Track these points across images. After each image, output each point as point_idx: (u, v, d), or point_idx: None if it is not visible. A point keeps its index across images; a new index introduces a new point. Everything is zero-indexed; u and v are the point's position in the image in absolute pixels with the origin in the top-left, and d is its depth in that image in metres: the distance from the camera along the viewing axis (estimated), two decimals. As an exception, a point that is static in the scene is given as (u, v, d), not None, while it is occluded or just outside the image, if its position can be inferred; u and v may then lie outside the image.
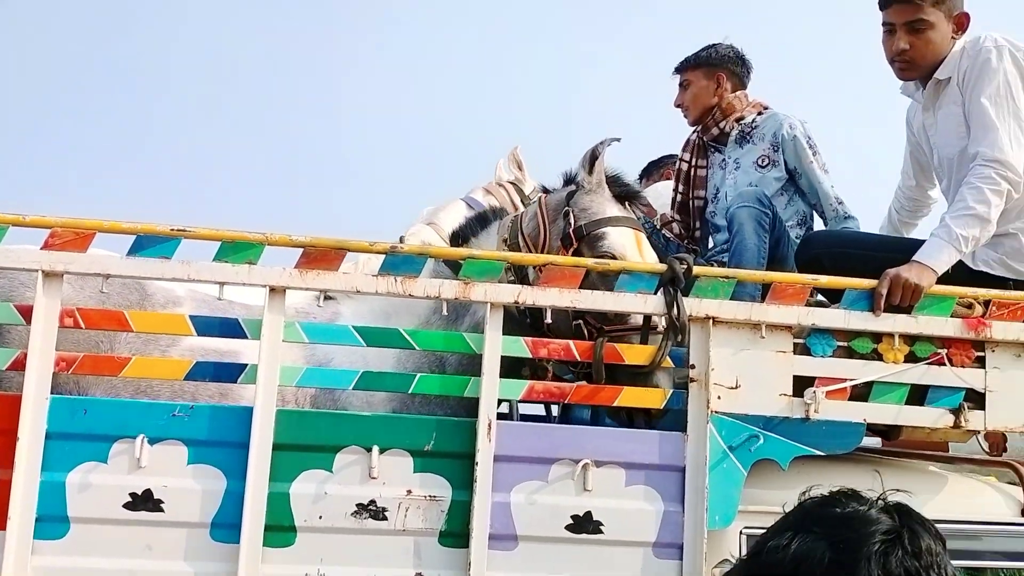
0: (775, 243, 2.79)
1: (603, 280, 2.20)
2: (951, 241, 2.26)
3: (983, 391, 2.20)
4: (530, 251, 2.39)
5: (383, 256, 2.09)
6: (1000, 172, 2.27)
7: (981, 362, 2.21)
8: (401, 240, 3.11)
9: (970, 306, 2.21)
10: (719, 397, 2.13)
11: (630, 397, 2.16)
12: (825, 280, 2.22)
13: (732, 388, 2.14)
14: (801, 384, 2.17)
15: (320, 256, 2.06)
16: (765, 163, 3.11)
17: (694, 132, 3.30)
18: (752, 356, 2.16)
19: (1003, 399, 2.20)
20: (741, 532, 2.18)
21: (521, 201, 3.40)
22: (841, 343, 2.21)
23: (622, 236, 2.34)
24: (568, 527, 2.05)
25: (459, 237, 2.58)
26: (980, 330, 2.18)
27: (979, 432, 2.22)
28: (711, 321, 2.14)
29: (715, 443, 2.10)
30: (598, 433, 2.21)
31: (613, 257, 2.28)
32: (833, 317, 2.18)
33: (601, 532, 2.06)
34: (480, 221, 2.58)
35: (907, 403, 2.20)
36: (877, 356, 2.20)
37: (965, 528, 2.25)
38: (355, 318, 2.36)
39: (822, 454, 2.16)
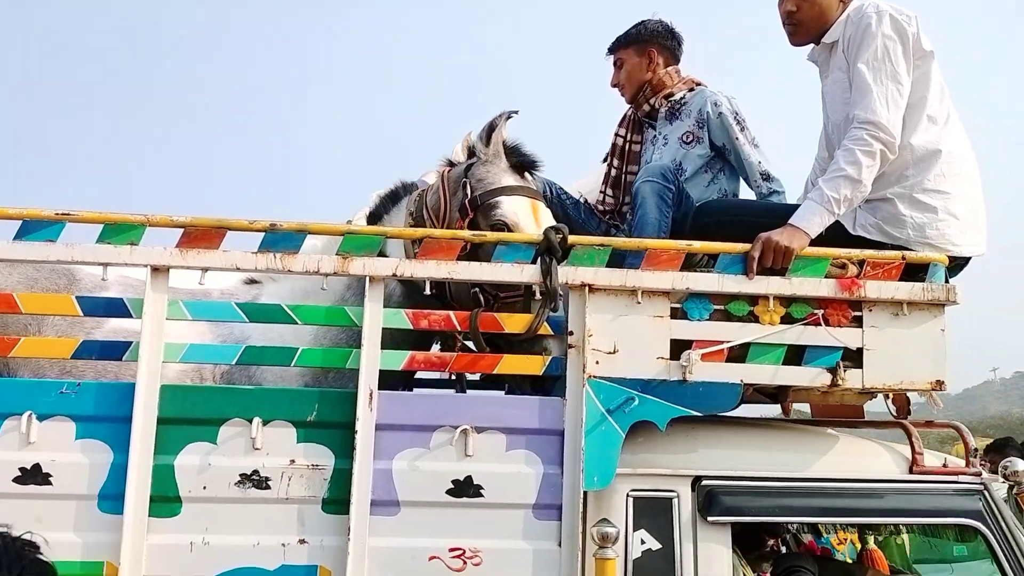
0: (683, 217, 2.82)
1: (490, 250, 2.25)
2: (823, 203, 2.30)
3: (860, 350, 2.24)
4: (433, 223, 2.46)
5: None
6: (872, 133, 2.30)
7: (859, 322, 2.26)
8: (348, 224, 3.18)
9: (844, 267, 2.25)
10: (597, 362, 2.18)
11: (510, 364, 2.22)
12: (699, 245, 2.26)
13: (610, 353, 2.19)
14: (679, 348, 2.21)
15: (201, 235, 2.12)
16: (690, 139, 3.11)
17: (630, 108, 3.31)
18: (630, 321, 2.21)
19: (880, 357, 2.24)
20: (628, 495, 2.24)
21: None
22: (718, 307, 2.25)
23: (516, 204, 2.40)
24: (449, 491, 2.11)
25: (374, 215, 2.65)
26: (854, 290, 2.22)
27: (856, 389, 2.25)
28: (587, 288, 2.19)
29: (593, 406, 2.16)
30: (480, 400, 2.27)
31: (505, 225, 2.36)
32: (707, 281, 2.23)
33: (481, 495, 2.12)
34: (392, 198, 2.65)
35: (785, 363, 2.25)
36: (754, 318, 2.25)
37: (854, 486, 2.30)
38: (272, 299, 2.44)
39: (699, 414, 2.20)
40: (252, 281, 2.63)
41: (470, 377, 2.88)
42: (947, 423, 2.49)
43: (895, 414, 2.67)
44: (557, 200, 3.07)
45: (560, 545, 2.12)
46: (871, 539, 3.12)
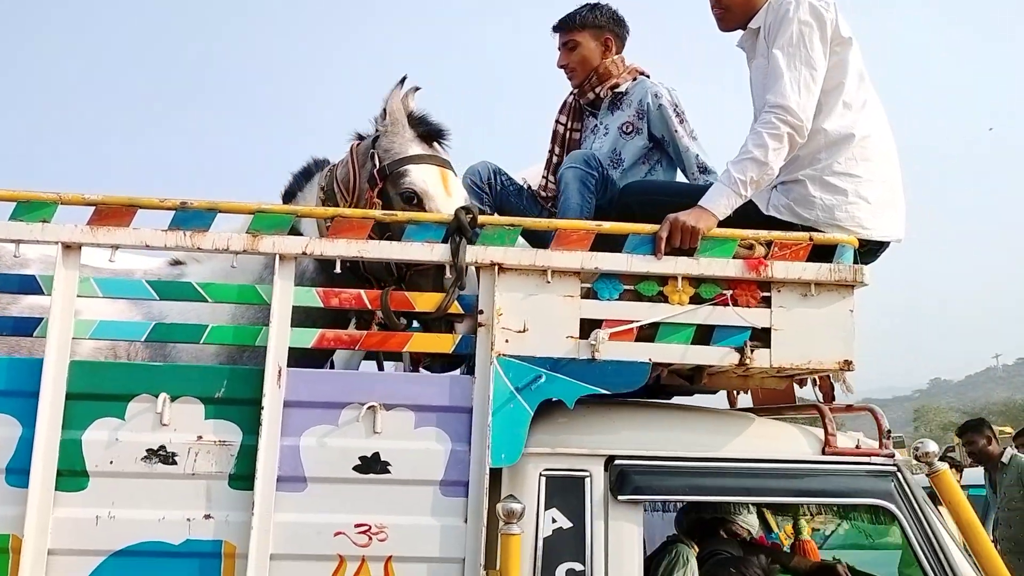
0: (609, 204, 2.84)
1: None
2: (730, 185, 2.32)
3: (769, 330, 2.26)
4: (344, 197, 2.49)
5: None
6: (780, 116, 2.34)
7: (768, 302, 2.28)
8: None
9: (751, 247, 2.28)
10: (507, 340, 2.20)
11: (421, 343, 2.24)
12: (608, 226, 2.29)
13: (520, 332, 2.21)
14: (590, 327, 2.23)
15: (111, 213, 2.15)
16: (629, 130, 3.14)
17: (571, 95, 3.31)
18: (540, 301, 2.23)
19: (788, 337, 2.26)
20: (541, 474, 2.26)
21: None
22: (628, 287, 2.27)
23: (424, 172, 2.44)
24: (356, 468, 2.13)
25: (288, 194, 2.68)
26: (761, 270, 2.25)
27: (765, 369, 2.27)
28: (497, 268, 2.21)
29: (501, 384, 2.18)
30: (389, 378, 2.30)
31: (415, 193, 2.41)
32: (616, 261, 2.25)
33: (388, 472, 2.14)
34: (305, 175, 2.68)
35: (695, 343, 2.27)
36: (663, 298, 2.27)
37: (765, 467, 2.32)
38: (195, 279, 2.46)
39: (606, 392, 2.22)
40: (177, 262, 2.66)
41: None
42: (864, 406, 2.50)
43: (822, 400, 2.69)
44: (500, 186, 3.10)
45: (466, 521, 2.13)
46: (805, 530, 3.13)
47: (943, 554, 2.26)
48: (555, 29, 3.25)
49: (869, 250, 2.46)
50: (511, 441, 2.17)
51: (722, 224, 2.34)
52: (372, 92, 2.71)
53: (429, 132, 2.55)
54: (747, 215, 2.40)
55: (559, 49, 3.23)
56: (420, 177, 2.41)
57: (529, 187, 3.18)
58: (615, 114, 3.19)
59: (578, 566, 2.20)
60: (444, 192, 2.41)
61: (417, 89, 2.56)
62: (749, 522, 3.22)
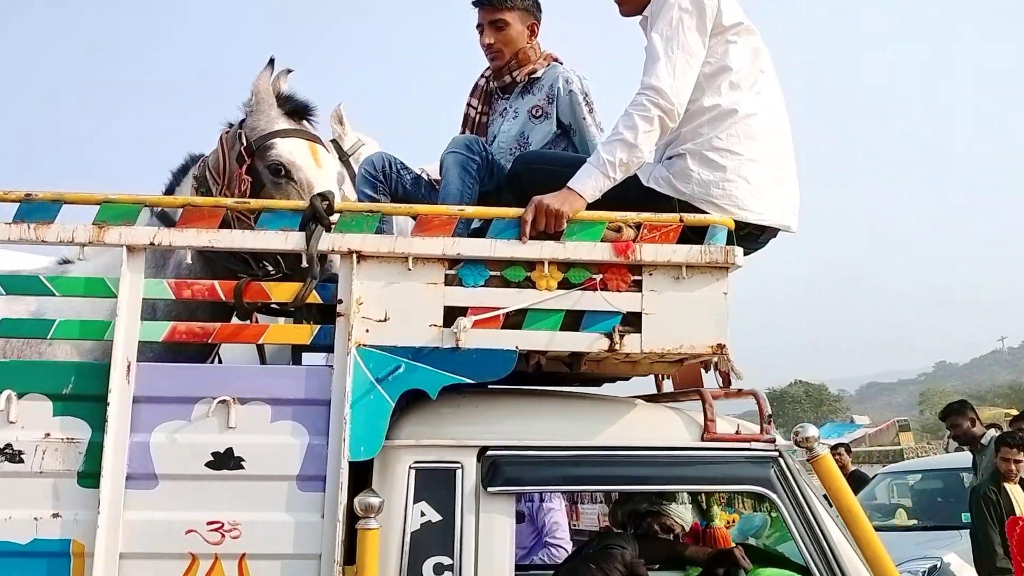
0: (496, 190, 2.77)
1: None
2: (599, 166, 2.25)
3: (640, 314, 2.20)
4: (216, 182, 2.46)
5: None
6: (651, 99, 2.27)
7: (640, 286, 2.21)
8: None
9: (619, 230, 2.21)
10: (367, 330, 2.14)
11: (276, 334, 2.19)
12: (471, 210, 2.23)
13: (381, 321, 2.15)
14: (456, 315, 2.17)
15: (-47, 207, 2.09)
16: (539, 114, 3.07)
17: (483, 77, 3.22)
18: (401, 289, 2.17)
19: (660, 321, 2.19)
20: (411, 467, 2.20)
21: (340, 158, 3.42)
22: (495, 272, 2.21)
23: (291, 145, 2.43)
24: (208, 464, 2.07)
25: (168, 191, 2.64)
26: (629, 253, 2.18)
27: (636, 354, 2.20)
28: (355, 256, 2.15)
29: (361, 375, 2.12)
30: (245, 371, 2.23)
31: (281, 165, 2.39)
32: (479, 247, 2.18)
33: (243, 467, 2.08)
34: (182, 171, 2.66)
35: (566, 329, 2.20)
36: (531, 284, 2.20)
37: (642, 454, 2.26)
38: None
39: (471, 381, 2.16)
40: (65, 261, 2.61)
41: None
42: (749, 391, 2.42)
43: (721, 384, 2.62)
44: (397, 175, 3.03)
45: (323, 517, 2.07)
46: (717, 518, 3.06)
47: (825, 541, 2.20)
48: (480, 4, 3.10)
49: (750, 234, 2.39)
50: (371, 433, 2.11)
51: (603, 197, 2.28)
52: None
53: (296, 109, 2.54)
54: (627, 188, 2.33)
55: (483, 27, 3.08)
56: (287, 149, 2.41)
57: (428, 176, 3.11)
58: (525, 98, 3.11)
59: (446, 560, 2.15)
60: (313, 163, 2.39)
61: (289, 72, 2.52)
62: (679, 513, 3.16)
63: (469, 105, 3.26)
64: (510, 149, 3.05)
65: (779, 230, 2.46)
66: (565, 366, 2.42)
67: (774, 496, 2.22)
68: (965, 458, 6.94)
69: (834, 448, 10.30)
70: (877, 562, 2.13)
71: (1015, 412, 11.16)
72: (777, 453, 2.27)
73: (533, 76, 3.11)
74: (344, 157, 3.49)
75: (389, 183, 2.94)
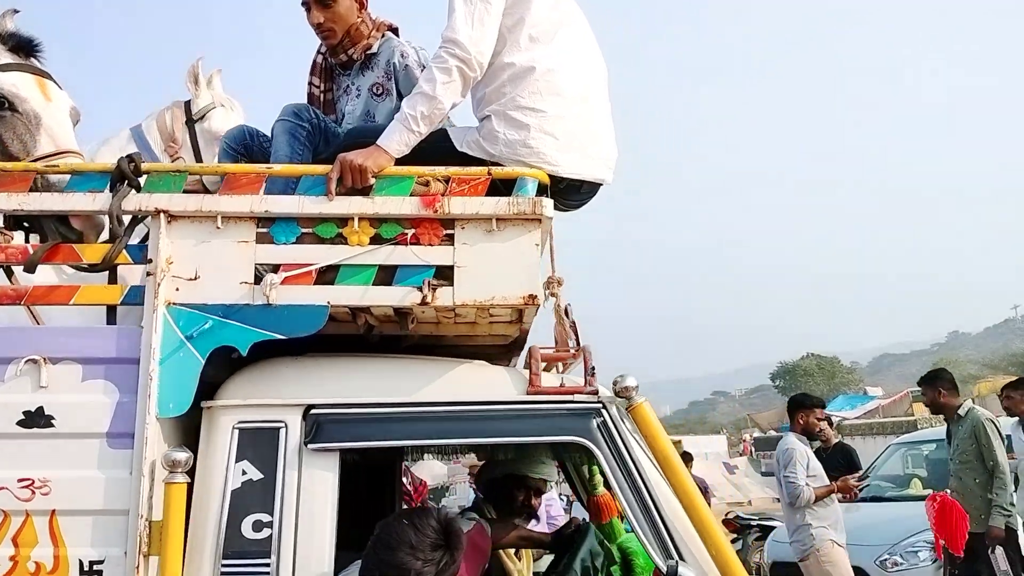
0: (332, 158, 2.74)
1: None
2: (403, 122, 2.26)
3: (451, 267, 2.19)
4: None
5: None
6: (448, 50, 2.27)
7: (453, 240, 2.21)
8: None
9: (427, 184, 2.20)
10: (177, 289, 2.16)
11: (87, 295, 2.20)
12: (278, 168, 2.24)
13: (191, 279, 2.17)
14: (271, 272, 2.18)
15: None
16: (380, 91, 2.98)
17: (319, 54, 3.10)
18: (213, 247, 2.18)
19: (471, 274, 2.19)
20: (234, 427, 2.22)
21: (187, 121, 3.39)
22: (307, 230, 2.22)
23: (13, 78, 2.46)
24: (19, 423, 2.10)
25: None
26: (436, 206, 2.18)
27: (449, 307, 2.20)
28: (164, 215, 2.16)
29: (171, 333, 2.14)
30: (57, 331, 2.25)
31: (3, 98, 2.42)
32: (287, 204, 2.20)
33: (53, 426, 2.11)
34: None
35: (379, 284, 2.20)
36: (343, 240, 2.21)
37: (464, 409, 2.26)
38: None
39: (282, 336, 2.17)
40: None
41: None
42: (577, 348, 2.40)
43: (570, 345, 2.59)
44: (258, 147, 3.01)
45: (131, 473, 2.10)
46: (599, 487, 3.07)
47: (647, 491, 2.20)
48: None
49: (571, 187, 2.38)
50: (180, 390, 2.13)
51: (418, 162, 2.27)
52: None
53: (20, 44, 2.54)
54: (446, 155, 2.33)
55: (309, 5, 2.90)
56: (9, 81, 2.42)
57: None
58: (366, 75, 3.01)
59: (266, 517, 2.16)
60: (41, 96, 2.43)
61: (16, 12, 2.54)
62: (543, 472, 3.17)
63: (311, 84, 3.15)
64: None
65: (600, 184, 2.45)
66: (391, 323, 2.42)
67: (593, 446, 2.22)
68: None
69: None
70: (692, 509, 2.13)
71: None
72: (600, 405, 2.26)
73: (369, 52, 2.99)
74: (190, 120, 3.43)
75: (250, 155, 2.90)
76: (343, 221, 2.21)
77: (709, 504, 10.04)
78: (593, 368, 2.30)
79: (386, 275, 2.21)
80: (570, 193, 2.37)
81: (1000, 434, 5.75)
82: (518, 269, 2.19)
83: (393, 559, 1.99)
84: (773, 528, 8.56)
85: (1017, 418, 6.34)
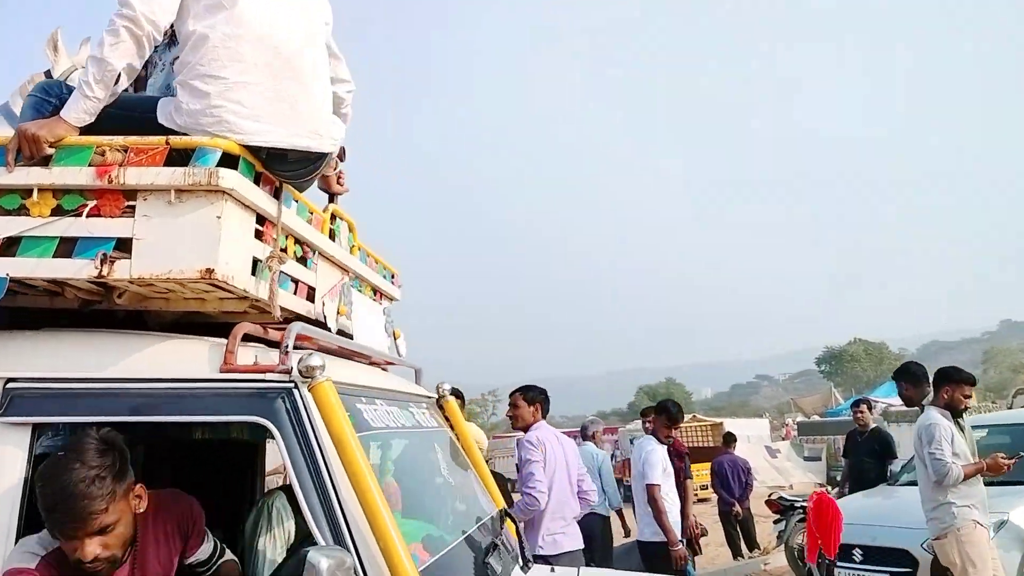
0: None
1: None
2: (79, 88, 2.21)
3: (131, 239, 2.15)
4: None
5: None
6: (117, 12, 2.23)
7: (134, 212, 2.16)
8: None
9: (104, 154, 2.15)
10: None
11: None
12: (-41, 136, 2.20)
13: None
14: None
15: None
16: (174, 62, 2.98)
17: None
18: (-99, 219, 2.16)
19: (151, 247, 2.13)
20: (7, 384, 2.22)
21: None
22: (-6, 201, 2.19)
23: None
24: None
25: None
26: (112, 176, 2.13)
27: (126, 280, 2.14)
28: None
29: None
30: None
31: None
32: (-35, 176, 2.17)
33: None
34: None
35: (62, 256, 2.17)
36: (27, 211, 2.18)
37: (154, 386, 2.22)
38: None
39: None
40: None
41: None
42: (282, 322, 2.33)
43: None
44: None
45: None
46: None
47: (327, 475, 2.14)
48: None
49: (277, 157, 2.31)
50: None
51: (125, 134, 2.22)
52: None
53: None
54: (151, 128, 2.27)
55: None
56: None
57: None
58: (171, 49, 3.03)
59: (-44, 487, 2.16)
60: None
61: None
62: None
63: None
64: None
65: (316, 153, 2.37)
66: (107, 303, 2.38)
67: (272, 426, 2.16)
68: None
69: (856, 404, 9.90)
70: (362, 493, 2.06)
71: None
72: (292, 385, 2.20)
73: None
74: None
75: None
76: (27, 192, 2.18)
77: (748, 486, 9.93)
78: (287, 346, 2.23)
79: (68, 247, 2.17)
80: (279, 163, 2.30)
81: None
82: (197, 242, 2.12)
83: (63, 482, 1.99)
84: None
85: None
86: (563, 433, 5.94)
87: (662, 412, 6.61)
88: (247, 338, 2.35)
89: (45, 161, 2.16)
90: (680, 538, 6.26)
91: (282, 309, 2.51)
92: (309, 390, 2.16)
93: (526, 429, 5.73)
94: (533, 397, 5.83)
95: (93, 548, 2.05)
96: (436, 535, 2.58)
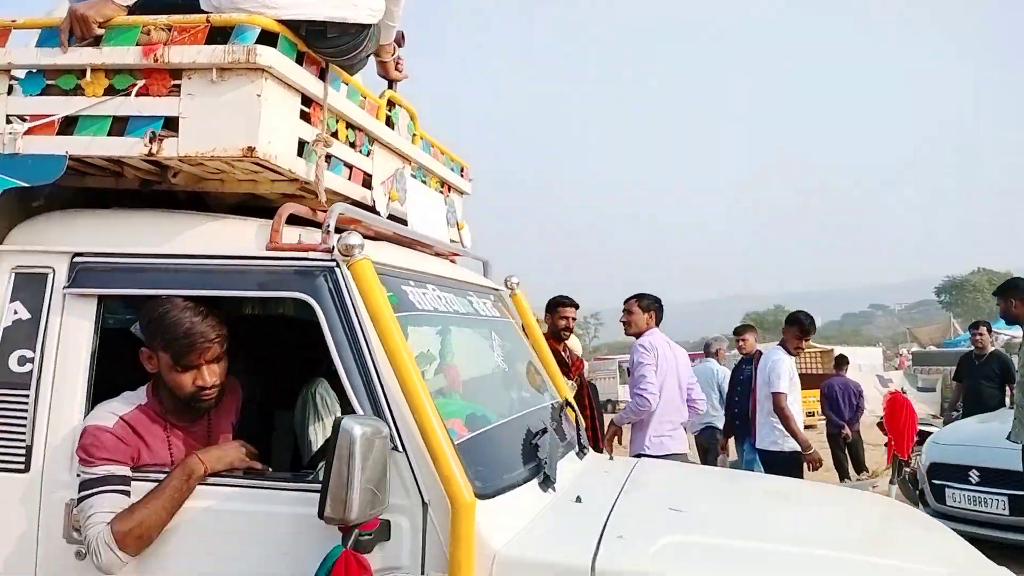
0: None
1: None
2: None
3: (177, 118, 2.19)
4: None
5: None
6: None
7: (180, 90, 2.20)
8: None
9: (149, 33, 2.18)
10: (-60, 139, 2.29)
11: None
12: (23, 20, 2.28)
13: (-51, 130, 2.29)
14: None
15: None
16: None
17: None
18: (-30, 99, 2.28)
19: (195, 125, 2.18)
20: (13, 270, 2.38)
21: None
22: (51, 81, 2.28)
23: None
24: None
25: None
26: (158, 54, 2.16)
27: (176, 157, 2.19)
28: (-85, 69, 2.28)
29: (-65, 179, 2.29)
30: None
31: None
32: (27, 56, 2.25)
33: None
34: None
35: (115, 135, 2.24)
36: (82, 91, 2.25)
37: (208, 262, 2.30)
38: None
39: (26, 184, 2.26)
40: None
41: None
42: (326, 204, 2.35)
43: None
44: None
45: None
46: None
47: (368, 350, 2.18)
48: None
49: (315, 32, 2.29)
50: None
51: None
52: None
53: None
54: (196, 10, 2.29)
55: None
56: None
57: None
58: None
59: (29, 353, 2.33)
60: None
61: None
62: None
63: None
64: None
65: (355, 24, 2.33)
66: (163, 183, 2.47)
67: (315, 303, 2.20)
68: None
69: (975, 326, 9.47)
70: (398, 369, 2.09)
71: None
72: (334, 263, 2.23)
73: None
74: None
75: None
76: (81, 72, 2.25)
77: (859, 409, 9.71)
78: (329, 227, 2.25)
79: (120, 126, 2.24)
80: (319, 40, 2.29)
81: None
82: (239, 120, 2.14)
83: (182, 317, 2.22)
84: (930, 433, 8.21)
85: None
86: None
87: (794, 323, 6.53)
88: (301, 221, 2.40)
89: (97, 42, 2.22)
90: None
91: (335, 193, 2.54)
92: (349, 267, 2.18)
93: (639, 335, 5.78)
94: (648, 304, 5.87)
95: (211, 375, 2.26)
96: (480, 414, 2.62)
